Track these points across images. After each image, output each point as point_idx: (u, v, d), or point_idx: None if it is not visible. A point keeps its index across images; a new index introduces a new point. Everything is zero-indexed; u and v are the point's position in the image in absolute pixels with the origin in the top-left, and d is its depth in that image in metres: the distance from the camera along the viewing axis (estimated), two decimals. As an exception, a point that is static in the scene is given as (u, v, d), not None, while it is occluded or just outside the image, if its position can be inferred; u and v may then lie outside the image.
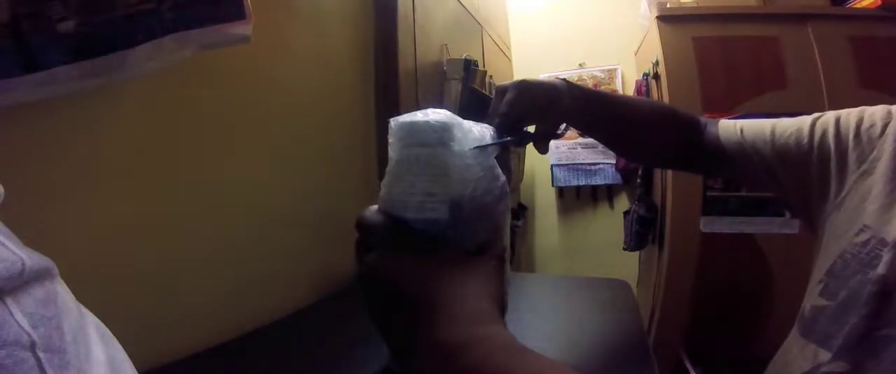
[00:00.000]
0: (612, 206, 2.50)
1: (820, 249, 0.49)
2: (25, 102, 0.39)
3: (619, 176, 2.39)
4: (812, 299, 0.48)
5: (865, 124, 0.46)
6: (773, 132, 0.52)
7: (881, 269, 0.40)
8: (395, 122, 0.34)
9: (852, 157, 0.46)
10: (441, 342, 0.26)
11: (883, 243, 0.41)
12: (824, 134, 0.48)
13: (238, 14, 0.51)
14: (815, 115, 0.51)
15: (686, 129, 0.58)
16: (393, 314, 0.30)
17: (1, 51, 0.36)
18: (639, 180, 2.04)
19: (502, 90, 0.48)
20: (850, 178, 0.46)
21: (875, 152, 0.45)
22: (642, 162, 0.66)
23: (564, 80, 0.51)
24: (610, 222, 2.39)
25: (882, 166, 0.43)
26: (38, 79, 0.38)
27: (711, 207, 1.67)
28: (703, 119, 0.59)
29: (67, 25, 0.39)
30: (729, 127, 0.56)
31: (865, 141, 0.46)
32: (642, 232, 1.95)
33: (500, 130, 0.44)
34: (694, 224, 1.68)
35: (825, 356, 0.43)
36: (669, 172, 1.74)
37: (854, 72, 1.61)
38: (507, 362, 0.25)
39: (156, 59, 0.46)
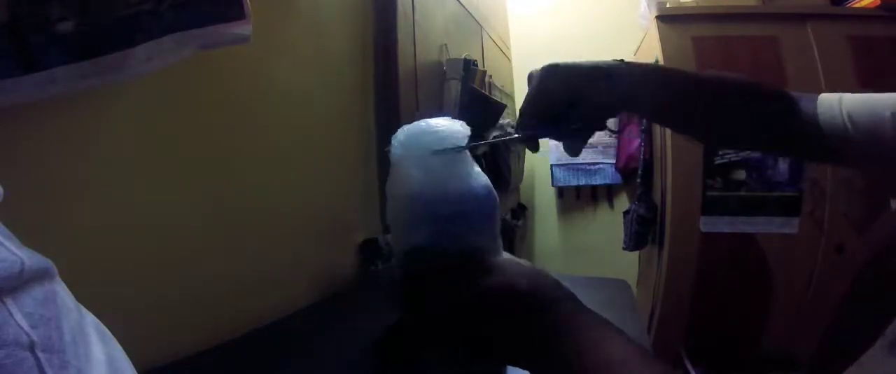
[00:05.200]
0: (611, 206, 2.50)
1: None
2: (25, 102, 0.39)
3: (619, 176, 2.39)
4: None
5: None
6: (893, 115, 0.43)
7: None
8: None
9: None
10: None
11: None
12: None
13: (238, 14, 0.51)
14: None
15: (776, 109, 0.49)
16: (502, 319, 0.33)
17: (0, 51, 0.36)
18: (639, 180, 2.04)
19: (529, 78, 0.42)
20: None
21: None
22: (731, 147, 0.55)
23: (621, 60, 0.43)
24: (610, 222, 2.39)
25: None
26: (38, 79, 0.38)
27: (711, 207, 1.67)
28: (795, 94, 0.49)
29: (67, 26, 0.39)
30: (827, 105, 0.47)
31: None
32: (642, 232, 1.95)
33: (519, 131, 0.41)
34: (694, 224, 1.68)
35: None
36: (669, 172, 1.74)
37: (853, 71, 1.61)
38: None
39: (156, 59, 0.46)
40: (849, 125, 0.45)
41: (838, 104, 0.46)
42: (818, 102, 0.47)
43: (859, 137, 0.45)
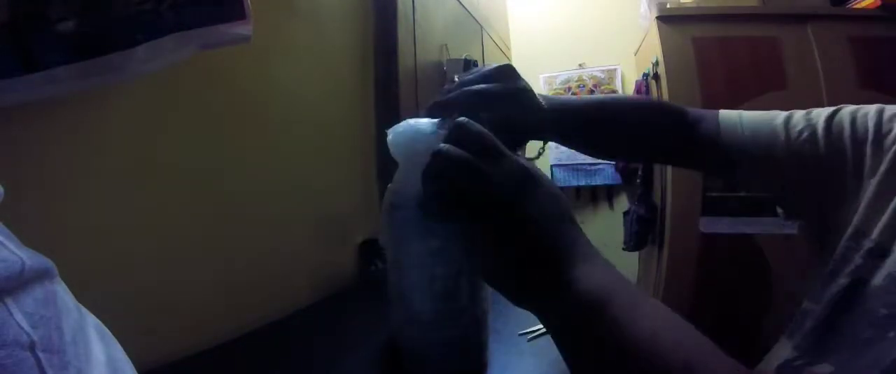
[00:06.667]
0: (611, 206, 2.50)
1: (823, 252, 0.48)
2: (25, 102, 0.39)
3: (618, 176, 2.39)
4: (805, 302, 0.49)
5: (884, 130, 0.44)
6: (786, 131, 0.49)
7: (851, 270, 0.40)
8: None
9: (868, 164, 0.44)
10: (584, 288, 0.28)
11: (860, 244, 0.41)
12: (841, 137, 0.46)
13: (238, 14, 0.51)
14: (829, 111, 0.48)
15: (674, 123, 0.55)
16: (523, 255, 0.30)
17: (1, 51, 0.36)
18: (639, 181, 2.04)
19: (468, 63, 0.47)
20: (865, 183, 0.43)
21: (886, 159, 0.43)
22: (631, 161, 0.64)
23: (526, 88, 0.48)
24: (610, 222, 2.39)
25: (882, 168, 0.43)
26: (38, 79, 0.38)
27: (711, 207, 1.67)
28: (693, 112, 0.56)
29: (67, 25, 0.39)
30: (730, 122, 0.53)
31: (885, 147, 0.43)
32: (642, 232, 1.95)
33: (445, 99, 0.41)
34: (694, 224, 1.68)
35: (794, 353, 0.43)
36: (669, 172, 1.74)
37: (854, 72, 1.61)
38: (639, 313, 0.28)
39: (156, 59, 0.45)
40: (745, 133, 0.51)
41: (738, 118, 0.52)
42: (720, 115, 0.53)
43: (757, 148, 0.50)
